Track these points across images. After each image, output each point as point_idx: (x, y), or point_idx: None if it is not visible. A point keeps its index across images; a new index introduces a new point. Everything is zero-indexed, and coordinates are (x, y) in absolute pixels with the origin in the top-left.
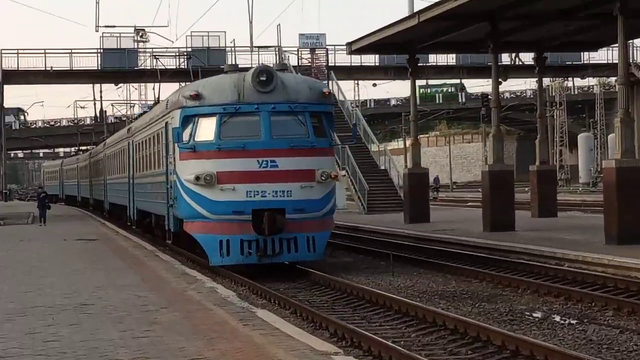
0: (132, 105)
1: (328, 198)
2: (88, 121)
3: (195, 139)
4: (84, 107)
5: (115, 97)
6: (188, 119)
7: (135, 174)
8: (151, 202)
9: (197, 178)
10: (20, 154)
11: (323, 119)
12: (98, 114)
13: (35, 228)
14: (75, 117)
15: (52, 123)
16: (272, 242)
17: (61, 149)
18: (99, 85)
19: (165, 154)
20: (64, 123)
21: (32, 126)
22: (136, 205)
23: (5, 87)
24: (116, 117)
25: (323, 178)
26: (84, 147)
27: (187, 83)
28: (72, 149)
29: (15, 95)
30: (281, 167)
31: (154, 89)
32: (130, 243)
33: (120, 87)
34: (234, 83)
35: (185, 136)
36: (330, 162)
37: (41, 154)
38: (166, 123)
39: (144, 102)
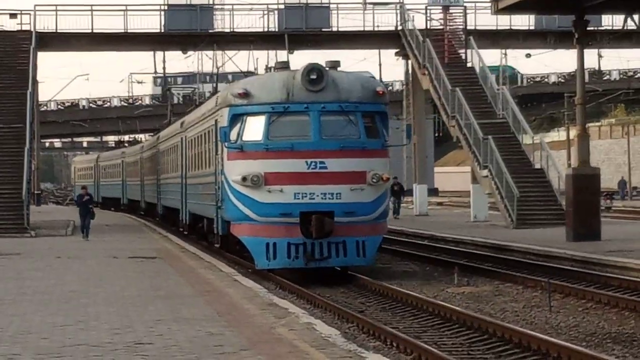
0: (204, 79)
1: (380, 201)
2: (147, 101)
3: (243, 139)
4: (141, 83)
5: (183, 69)
6: (236, 118)
7: (188, 173)
8: (202, 204)
9: (244, 179)
10: (57, 142)
11: (376, 119)
12: (160, 91)
13: (77, 241)
14: (130, 94)
15: (99, 103)
16: (320, 245)
17: (111, 137)
18: (161, 52)
19: (215, 153)
20: (115, 103)
21: (73, 106)
22: (189, 208)
23: (40, 54)
24: (185, 96)
25: (374, 180)
26: (141, 135)
27: (276, 53)
28: (126, 137)
29: (52, 65)
30: (330, 168)
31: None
32: (200, 263)
33: (190, 55)
34: (283, 81)
35: (233, 135)
36: (383, 163)
37: (85, 144)
38: (216, 121)
39: (223, 74)
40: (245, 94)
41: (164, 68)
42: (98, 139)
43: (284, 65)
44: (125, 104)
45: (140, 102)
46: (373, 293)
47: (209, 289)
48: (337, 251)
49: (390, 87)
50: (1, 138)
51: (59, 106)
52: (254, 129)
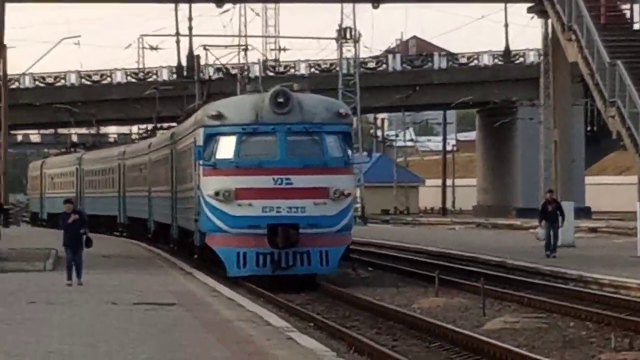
0: (245, 46)
1: (343, 214)
2: (165, 75)
3: (216, 157)
4: (156, 49)
5: (218, 30)
6: (210, 137)
7: (177, 187)
8: (188, 218)
9: (217, 193)
10: (34, 135)
11: (339, 138)
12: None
13: (59, 280)
14: (141, 67)
15: (95, 79)
16: (285, 255)
17: (113, 128)
18: (186, 4)
19: (193, 169)
20: (119, 78)
21: (57, 83)
22: (178, 222)
23: (10, 7)
24: (219, 69)
25: (336, 195)
26: (160, 125)
27: (354, 7)
28: (135, 127)
29: (27, 24)
30: (295, 184)
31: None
32: (239, 312)
33: (227, 10)
34: (253, 104)
35: (207, 153)
36: (346, 180)
37: (74, 137)
38: (194, 139)
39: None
40: (219, 116)
41: (189, 28)
42: (92, 131)
43: (255, 89)
44: (134, 80)
45: (154, 77)
46: None
47: (250, 350)
48: (301, 260)
49: (521, 59)
50: None
51: (37, 82)
52: (226, 147)
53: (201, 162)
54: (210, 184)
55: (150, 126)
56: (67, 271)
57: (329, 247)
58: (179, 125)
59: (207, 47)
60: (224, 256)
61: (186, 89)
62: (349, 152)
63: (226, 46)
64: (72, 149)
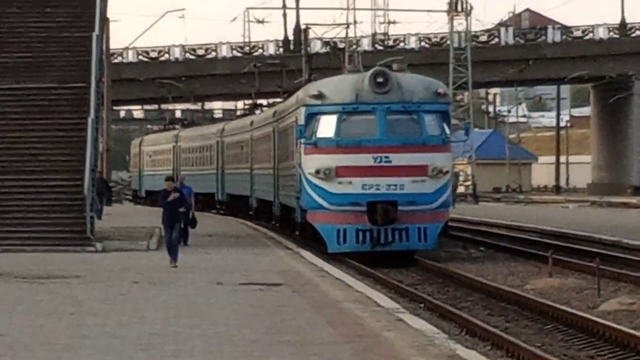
0: (347, 24)
1: (441, 192)
2: (271, 50)
3: (317, 135)
4: (262, 22)
5: (326, 3)
6: (311, 117)
7: (279, 165)
8: (290, 195)
9: (318, 172)
10: (137, 111)
11: (437, 117)
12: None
13: (163, 260)
14: (246, 40)
15: (200, 53)
16: (385, 231)
17: (219, 104)
18: None
19: (295, 147)
20: (224, 52)
21: (161, 58)
22: (280, 200)
23: None
24: (326, 42)
25: (434, 173)
26: (263, 101)
27: None
28: (241, 103)
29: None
30: (394, 162)
31: None
32: (348, 293)
33: None
34: (353, 84)
35: (309, 132)
36: (444, 157)
37: (178, 112)
38: (296, 117)
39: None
40: (320, 95)
41: (297, 1)
42: (197, 106)
43: (356, 69)
44: (239, 54)
45: (261, 51)
46: None
47: (359, 332)
48: (400, 237)
49: (638, 32)
50: (54, 104)
51: (141, 57)
52: (327, 126)
53: (302, 140)
54: (311, 162)
55: (249, 103)
56: (169, 252)
57: (427, 224)
58: (282, 103)
59: (309, 26)
60: (325, 233)
61: (285, 66)
62: (447, 130)
63: (328, 24)
64: (171, 126)
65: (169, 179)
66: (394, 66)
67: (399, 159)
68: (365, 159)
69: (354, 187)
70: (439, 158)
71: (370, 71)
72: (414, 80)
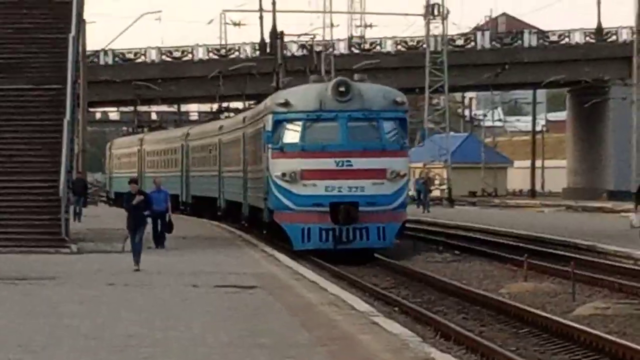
0: (313, 35)
1: (399, 194)
2: (248, 52)
3: (284, 141)
4: (239, 25)
5: (303, 6)
6: (278, 123)
7: (248, 168)
8: (258, 196)
9: (284, 175)
10: (113, 113)
11: (395, 124)
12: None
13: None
14: (223, 42)
15: (177, 55)
16: (346, 230)
17: (194, 106)
18: None
19: (262, 151)
20: (200, 54)
21: (138, 59)
22: (249, 201)
23: None
24: (303, 46)
25: (392, 176)
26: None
27: None
28: (213, 105)
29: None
30: (355, 166)
31: None
32: (322, 296)
33: None
34: (317, 93)
35: (276, 138)
36: (401, 162)
37: (154, 115)
38: (264, 124)
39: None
40: (286, 103)
41: (273, 4)
42: (172, 108)
43: (319, 79)
44: (216, 56)
45: (237, 53)
46: None
47: (334, 335)
48: (361, 235)
49: (614, 37)
50: (30, 105)
51: (117, 59)
52: (293, 132)
53: (270, 145)
54: (278, 166)
55: (233, 104)
56: (134, 255)
57: (386, 224)
58: (250, 109)
59: (280, 35)
60: (290, 232)
61: (254, 69)
62: (405, 136)
63: (298, 35)
64: (140, 129)
65: (133, 181)
66: (355, 76)
67: (359, 163)
68: (328, 163)
69: (317, 189)
70: (397, 162)
71: (333, 81)
72: (373, 89)
